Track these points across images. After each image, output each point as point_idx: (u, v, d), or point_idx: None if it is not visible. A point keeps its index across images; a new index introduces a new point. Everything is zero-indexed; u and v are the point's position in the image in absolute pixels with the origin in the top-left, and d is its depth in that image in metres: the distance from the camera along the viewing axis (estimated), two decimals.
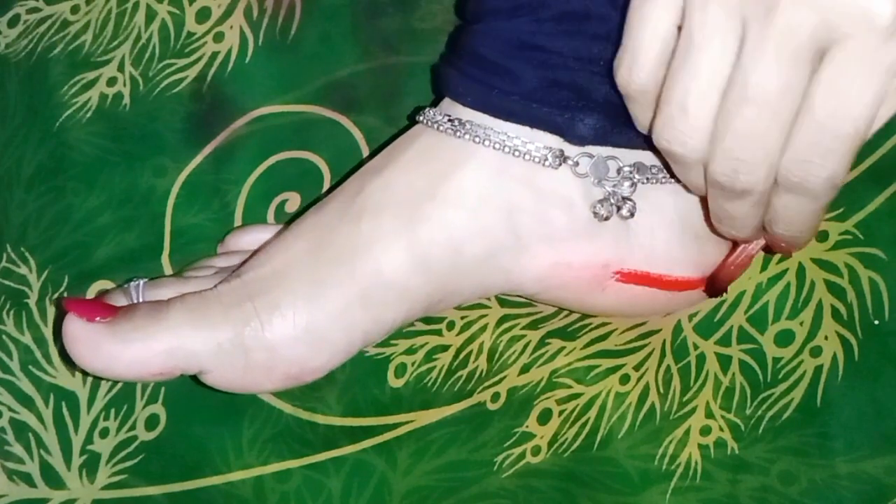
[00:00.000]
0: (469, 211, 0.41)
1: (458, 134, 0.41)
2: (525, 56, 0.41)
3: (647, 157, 0.42)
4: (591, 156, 0.41)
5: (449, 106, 0.43)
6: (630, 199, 0.41)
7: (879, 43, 0.32)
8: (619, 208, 0.41)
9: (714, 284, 0.44)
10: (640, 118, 0.38)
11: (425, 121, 0.42)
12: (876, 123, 0.34)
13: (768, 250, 0.43)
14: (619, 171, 0.41)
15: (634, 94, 0.37)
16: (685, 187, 0.40)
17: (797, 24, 0.32)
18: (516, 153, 0.41)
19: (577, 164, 0.41)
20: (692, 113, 0.35)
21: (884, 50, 0.32)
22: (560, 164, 0.41)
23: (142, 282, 0.44)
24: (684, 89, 0.34)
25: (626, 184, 0.41)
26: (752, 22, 0.33)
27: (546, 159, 0.41)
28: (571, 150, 0.41)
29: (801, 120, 0.33)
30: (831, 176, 0.34)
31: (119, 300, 0.43)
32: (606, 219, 0.41)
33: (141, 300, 0.43)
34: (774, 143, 0.34)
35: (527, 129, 0.41)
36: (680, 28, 0.35)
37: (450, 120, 0.42)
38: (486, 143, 0.41)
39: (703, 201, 0.41)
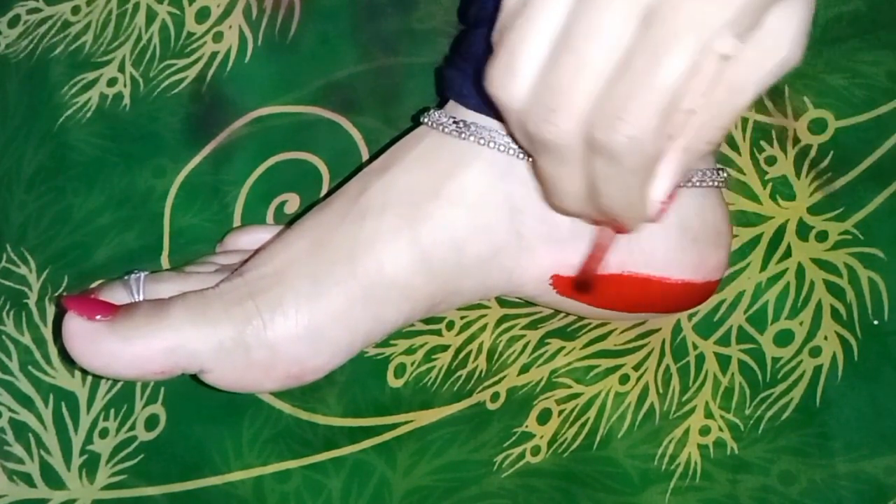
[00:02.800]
0: (472, 210, 0.41)
1: (462, 136, 0.41)
2: None
3: None
4: None
5: (453, 108, 0.43)
6: None
7: (708, 5, 0.30)
8: None
9: (579, 281, 0.43)
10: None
11: (429, 122, 0.42)
12: (693, 95, 0.32)
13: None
14: None
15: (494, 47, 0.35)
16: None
17: None
18: (520, 155, 0.41)
19: None
20: (518, 59, 0.33)
21: (711, 13, 0.30)
22: None
23: (142, 274, 0.44)
24: (518, 34, 0.33)
25: None
26: None
27: None
28: None
29: (618, 76, 0.32)
30: (635, 137, 0.32)
31: (118, 292, 0.43)
32: None
33: (141, 293, 0.43)
34: (585, 94, 0.32)
35: None
36: None
37: (455, 122, 0.42)
38: (491, 144, 0.41)
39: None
